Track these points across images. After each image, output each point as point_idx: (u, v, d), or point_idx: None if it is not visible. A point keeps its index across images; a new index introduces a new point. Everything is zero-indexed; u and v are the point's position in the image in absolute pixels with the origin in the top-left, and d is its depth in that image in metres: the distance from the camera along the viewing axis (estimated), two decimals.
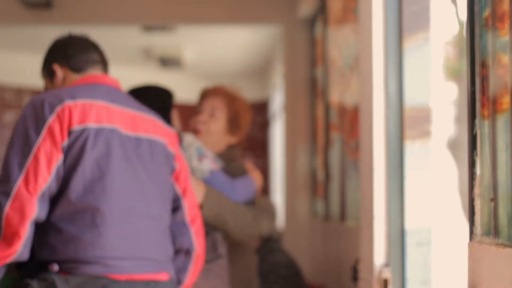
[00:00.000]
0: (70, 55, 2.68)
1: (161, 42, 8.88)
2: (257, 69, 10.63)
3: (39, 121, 2.38)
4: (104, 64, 2.74)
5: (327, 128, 5.76)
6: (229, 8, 6.72)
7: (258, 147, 10.79)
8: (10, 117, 9.56)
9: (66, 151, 2.39)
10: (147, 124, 2.59)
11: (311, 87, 6.66)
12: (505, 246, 2.20)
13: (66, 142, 2.39)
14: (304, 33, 6.72)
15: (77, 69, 2.67)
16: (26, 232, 2.32)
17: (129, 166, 2.48)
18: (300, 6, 6.46)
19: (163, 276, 2.51)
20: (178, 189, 2.67)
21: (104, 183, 2.41)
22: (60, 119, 2.39)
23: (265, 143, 10.86)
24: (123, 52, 9.61)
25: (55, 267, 2.38)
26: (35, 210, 2.33)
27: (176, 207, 2.68)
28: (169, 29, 7.98)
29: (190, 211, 2.69)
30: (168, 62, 9.73)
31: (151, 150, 2.56)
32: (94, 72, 2.68)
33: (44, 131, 2.37)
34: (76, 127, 2.40)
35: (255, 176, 3.31)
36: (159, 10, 6.73)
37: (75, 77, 2.65)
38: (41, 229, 2.40)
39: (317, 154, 6.40)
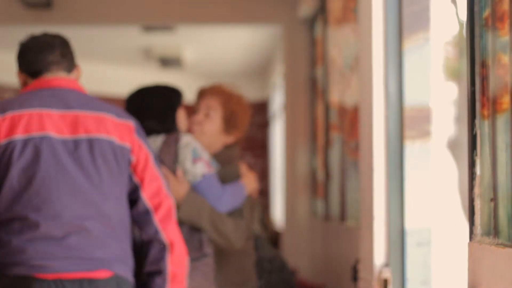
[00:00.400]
0: (27, 59, 2.72)
1: (161, 42, 8.88)
2: (257, 69, 10.63)
3: None
4: (65, 62, 2.73)
5: (327, 128, 5.76)
6: (229, 8, 6.72)
7: (258, 147, 10.79)
8: None
9: None
10: (91, 124, 2.61)
11: (311, 87, 6.66)
12: (505, 246, 2.20)
13: None
14: (304, 33, 6.72)
15: (33, 73, 2.72)
16: None
17: (61, 171, 2.53)
18: (300, 6, 6.46)
19: (101, 274, 2.53)
20: (136, 180, 2.67)
21: (31, 192, 2.50)
22: None
23: (265, 143, 10.86)
24: (123, 52, 9.62)
25: None
26: None
27: (135, 199, 2.69)
28: (169, 29, 7.98)
29: (151, 200, 2.68)
30: (168, 62, 9.73)
31: (91, 150, 2.58)
32: (48, 75, 2.70)
33: None
34: (3, 141, 2.51)
35: (248, 181, 3.29)
36: (159, 10, 6.73)
37: (31, 82, 2.72)
38: None
39: (317, 154, 6.40)
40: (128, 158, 2.65)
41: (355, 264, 3.31)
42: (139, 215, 2.69)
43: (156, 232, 2.67)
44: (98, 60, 10.08)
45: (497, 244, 2.24)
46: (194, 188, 3.24)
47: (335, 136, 5.40)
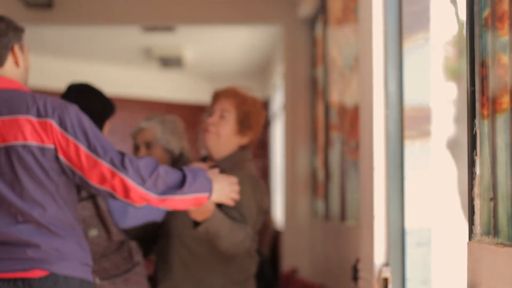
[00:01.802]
0: None
1: (162, 42, 8.89)
2: (257, 69, 10.63)
3: None
4: None
5: (327, 128, 5.77)
6: (230, 8, 6.72)
7: (258, 147, 10.79)
8: None
9: None
10: (7, 130, 2.58)
11: (311, 87, 6.66)
12: (505, 245, 2.20)
13: None
14: (304, 33, 6.72)
15: None
16: None
17: None
18: (300, 6, 6.47)
19: (35, 274, 2.56)
20: (79, 173, 2.62)
21: None
22: None
23: (265, 143, 10.86)
24: (123, 52, 9.63)
25: None
26: None
27: (89, 189, 2.67)
28: (170, 29, 7.99)
29: (103, 185, 2.63)
30: (168, 62, 9.74)
31: (9, 159, 2.57)
32: None
33: None
34: None
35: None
36: (159, 11, 6.74)
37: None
38: None
39: (317, 154, 6.41)
40: (55, 158, 2.61)
41: (355, 263, 3.31)
42: (93, 191, 2.67)
43: (107, 192, 2.64)
44: (99, 60, 10.09)
45: (497, 244, 2.24)
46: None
47: (335, 136, 5.40)
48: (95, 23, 6.90)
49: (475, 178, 2.40)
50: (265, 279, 4.08)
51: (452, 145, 7.28)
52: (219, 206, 3.16)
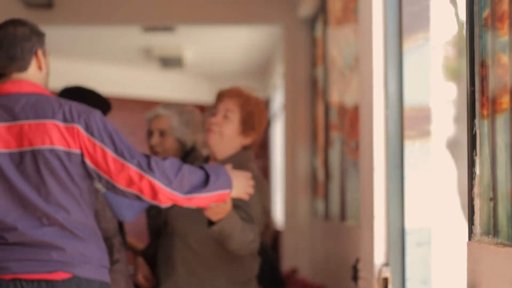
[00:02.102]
0: None
1: (162, 42, 8.89)
2: (258, 69, 10.63)
3: None
4: (15, 62, 2.71)
5: (327, 128, 5.77)
6: (230, 9, 6.72)
7: (258, 147, 10.78)
8: None
9: None
10: (34, 134, 2.63)
11: (311, 87, 6.67)
12: (505, 245, 2.20)
13: None
14: (304, 33, 6.72)
15: None
16: None
17: (9, 186, 2.61)
18: (300, 6, 6.47)
19: (58, 276, 2.62)
20: (105, 176, 2.68)
21: None
22: None
23: (265, 143, 10.86)
24: (123, 52, 9.63)
25: None
26: None
27: (116, 192, 2.73)
28: (170, 30, 7.98)
29: (130, 188, 2.69)
30: (168, 62, 9.74)
31: (36, 162, 2.62)
32: (2, 81, 2.72)
33: None
34: None
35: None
36: (159, 11, 6.74)
37: None
38: None
39: (317, 154, 6.41)
40: (81, 163, 2.66)
41: (355, 263, 3.32)
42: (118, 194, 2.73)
43: (135, 196, 2.71)
44: (99, 60, 10.09)
45: (497, 244, 2.25)
46: (104, 197, 3.30)
47: (335, 136, 5.40)
48: (95, 23, 6.90)
49: (475, 178, 2.41)
50: (275, 278, 4.07)
51: (452, 145, 7.28)
52: None
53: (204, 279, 3.24)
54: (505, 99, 2.26)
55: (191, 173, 2.72)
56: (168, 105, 3.90)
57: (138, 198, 2.69)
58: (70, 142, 2.64)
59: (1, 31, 2.70)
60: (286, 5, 6.70)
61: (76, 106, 2.68)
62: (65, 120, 2.64)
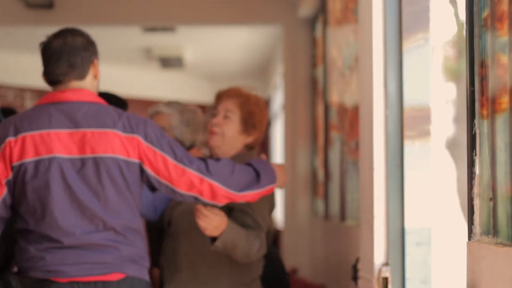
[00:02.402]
0: (43, 66, 2.83)
1: (162, 42, 8.89)
2: (258, 69, 10.64)
3: None
4: (74, 71, 2.80)
5: (327, 128, 5.77)
6: (230, 9, 6.73)
7: (259, 148, 10.77)
8: None
9: (12, 184, 2.71)
10: (97, 142, 2.72)
11: (311, 87, 6.67)
12: (504, 245, 2.21)
13: (10, 176, 2.70)
14: (304, 33, 6.72)
15: (50, 82, 2.82)
16: None
17: (70, 190, 2.69)
18: (300, 6, 6.47)
19: (113, 277, 2.73)
20: (166, 183, 2.80)
21: (44, 211, 2.68)
22: (3, 156, 2.70)
23: (266, 143, 10.86)
24: (124, 53, 9.63)
25: (14, 269, 2.76)
26: None
27: (177, 198, 2.86)
28: (170, 30, 7.99)
29: (191, 191, 2.82)
30: (168, 62, 9.75)
31: (97, 169, 2.71)
32: (59, 87, 2.80)
33: None
34: (15, 163, 2.69)
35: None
36: (160, 11, 6.74)
37: (50, 90, 2.82)
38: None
39: (317, 154, 6.41)
40: (139, 171, 2.77)
41: (355, 263, 3.32)
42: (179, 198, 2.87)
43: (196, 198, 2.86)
44: (100, 60, 10.08)
45: (496, 243, 2.25)
46: None
47: (335, 136, 5.41)
48: (95, 23, 6.90)
49: (474, 178, 2.41)
50: (279, 277, 4.07)
51: (451, 145, 7.28)
52: (230, 212, 3.17)
53: (208, 280, 3.24)
54: (505, 99, 2.27)
55: (243, 172, 2.88)
56: (170, 103, 3.89)
57: (197, 199, 2.84)
58: (130, 152, 2.74)
59: (59, 39, 2.79)
60: (286, 5, 6.71)
61: (132, 117, 2.79)
62: (124, 130, 2.73)
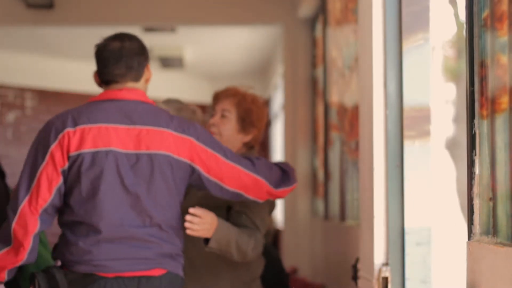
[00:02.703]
0: (98, 68, 2.94)
1: (162, 42, 8.89)
2: (258, 70, 10.64)
3: (45, 147, 2.80)
4: (131, 73, 2.92)
5: (327, 128, 5.78)
6: (230, 9, 6.73)
7: (259, 148, 10.77)
8: (12, 116, 9.58)
9: (67, 173, 2.79)
10: (152, 139, 2.83)
11: (311, 87, 6.67)
12: (504, 245, 2.21)
13: (66, 166, 2.79)
14: (304, 33, 6.73)
15: (104, 82, 2.94)
16: (30, 243, 2.79)
17: (123, 183, 2.80)
18: (300, 6, 6.48)
19: (156, 272, 2.83)
20: (215, 180, 2.93)
21: (96, 201, 2.78)
22: (61, 146, 2.79)
23: (266, 143, 10.87)
24: None
25: (58, 263, 2.84)
26: (37, 225, 2.79)
27: (222, 194, 2.98)
28: (170, 30, 7.99)
29: (239, 188, 2.98)
30: (168, 62, 9.75)
31: (151, 164, 2.82)
32: (115, 86, 2.92)
33: (47, 157, 2.79)
34: (72, 153, 2.79)
35: None
36: (160, 11, 6.74)
37: (104, 89, 2.93)
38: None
39: (317, 154, 6.42)
40: (189, 169, 2.89)
41: (355, 263, 3.32)
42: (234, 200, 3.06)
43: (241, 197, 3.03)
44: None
45: (496, 243, 2.25)
46: None
47: (335, 136, 5.41)
48: (95, 23, 6.90)
49: (474, 178, 2.41)
50: (278, 278, 4.07)
51: (451, 145, 7.29)
52: (228, 212, 3.18)
53: (209, 280, 3.25)
54: (504, 99, 2.27)
55: (276, 169, 3.08)
56: (169, 100, 3.90)
57: (240, 196, 2.99)
58: (181, 151, 2.87)
59: (117, 42, 2.93)
60: (286, 6, 6.71)
61: (182, 119, 2.94)
62: (177, 130, 2.87)
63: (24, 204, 2.78)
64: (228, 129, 3.32)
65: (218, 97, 3.39)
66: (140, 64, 2.93)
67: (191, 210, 2.96)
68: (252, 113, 3.34)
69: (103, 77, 2.92)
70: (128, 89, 2.90)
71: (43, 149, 2.81)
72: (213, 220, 3.00)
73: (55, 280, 2.78)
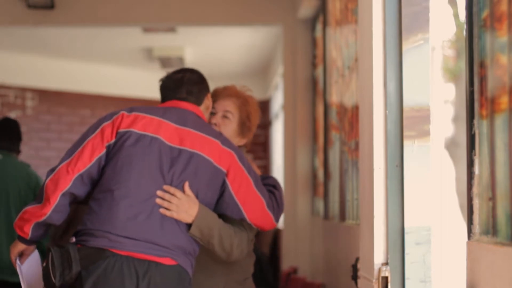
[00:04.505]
0: (162, 95, 3.20)
1: (162, 43, 8.90)
2: (258, 70, 10.65)
3: (99, 124, 3.01)
4: (191, 97, 3.14)
5: (327, 128, 5.78)
6: (230, 9, 6.74)
7: (259, 147, 10.80)
8: (12, 116, 9.58)
9: (111, 148, 2.96)
10: (197, 141, 3.00)
11: (311, 87, 6.68)
12: (503, 244, 2.22)
13: (113, 141, 2.97)
14: (304, 33, 6.73)
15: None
16: (56, 200, 2.94)
17: (161, 167, 2.95)
18: (300, 7, 6.48)
19: (166, 261, 2.92)
20: (237, 201, 3.05)
21: (129, 175, 2.92)
22: (113, 123, 2.99)
23: (266, 143, 10.87)
24: (124, 53, 9.64)
25: (72, 239, 2.97)
26: (68, 185, 2.93)
27: (240, 219, 3.09)
28: (170, 30, 8.00)
29: (255, 221, 3.10)
30: (169, 62, 9.75)
31: (189, 160, 2.97)
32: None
33: (98, 131, 2.99)
34: (122, 130, 2.97)
35: None
36: (160, 12, 6.75)
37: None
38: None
39: (317, 154, 6.43)
40: (222, 179, 3.03)
41: (355, 263, 3.33)
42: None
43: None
44: (99, 60, 10.10)
45: (496, 243, 2.26)
46: None
47: (335, 136, 5.42)
48: (96, 24, 6.91)
49: (474, 177, 2.42)
50: (265, 280, 4.09)
51: (450, 145, 7.29)
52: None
53: (201, 280, 3.25)
54: (504, 99, 2.28)
55: (274, 201, 3.17)
56: None
57: (250, 225, 3.12)
58: (222, 161, 3.02)
59: (179, 74, 3.19)
60: (286, 6, 6.72)
61: (229, 140, 3.12)
62: (223, 144, 3.05)
63: (62, 165, 2.96)
64: (228, 131, 3.30)
65: (219, 95, 3.36)
66: (201, 91, 3.16)
67: (165, 186, 2.96)
68: (251, 118, 3.34)
69: (166, 98, 3.16)
70: (188, 103, 3.12)
71: (96, 125, 3.01)
72: (193, 204, 2.99)
73: (69, 254, 2.87)
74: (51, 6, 6.46)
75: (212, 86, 3.41)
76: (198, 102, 3.15)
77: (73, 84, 9.92)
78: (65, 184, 2.93)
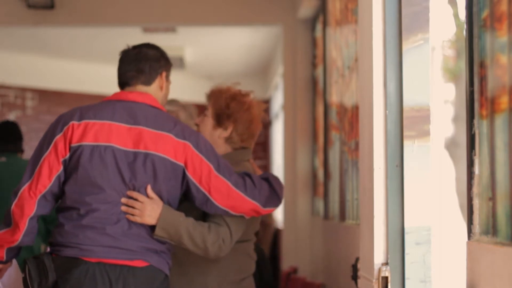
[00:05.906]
0: (118, 70, 3.15)
1: (162, 43, 8.87)
2: (258, 70, 10.65)
3: (51, 137, 2.99)
4: (142, 76, 3.09)
5: (327, 128, 5.78)
6: (230, 9, 6.74)
7: (259, 147, 10.81)
8: (12, 116, 9.58)
9: (68, 163, 2.97)
10: (149, 140, 2.98)
11: (311, 87, 6.68)
12: (503, 244, 2.22)
13: (67, 156, 2.97)
14: (304, 33, 6.74)
15: (120, 85, 3.13)
16: (25, 226, 2.98)
17: (118, 176, 2.95)
18: (300, 6, 6.49)
19: (138, 263, 2.96)
20: (204, 191, 3.02)
21: (91, 192, 2.95)
22: (64, 136, 2.97)
23: (267, 143, 10.88)
24: None
25: (48, 249, 3.03)
26: (34, 209, 2.97)
27: (209, 208, 3.06)
28: (170, 31, 8.00)
29: (225, 204, 3.05)
30: None
31: (145, 162, 2.96)
32: (127, 89, 3.09)
33: (51, 147, 2.98)
34: (74, 144, 2.96)
35: None
36: (160, 12, 6.75)
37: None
38: None
39: (317, 154, 6.43)
40: (182, 173, 3.00)
41: (355, 262, 3.33)
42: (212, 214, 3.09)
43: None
44: (100, 60, 10.10)
45: (496, 243, 2.26)
46: None
47: (335, 136, 5.42)
48: (96, 24, 6.92)
49: (474, 177, 2.42)
50: (265, 280, 4.08)
51: (450, 145, 7.30)
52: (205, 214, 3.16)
53: (195, 277, 3.24)
54: (504, 99, 2.28)
55: (265, 188, 3.14)
56: (173, 101, 3.92)
57: (227, 213, 3.07)
58: (177, 155, 2.99)
59: (136, 49, 3.13)
60: (286, 6, 6.72)
61: (187, 127, 3.06)
62: (177, 136, 3.00)
63: (24, 188, 2.98)
64: (205, 126, 3.34)
65: (207, 99, 3.45)
66: (153, 70, 3.09)
67: (128, 192, 2.98)
68: (228, 107, 3.32)
69: (118, 79, 3.11)
70: (138, 93, 3.06)
71: (49, 139, 2.99)
72: (156, 207, 2.99)
73: (44, 265, 2.93)
74: (51, 6, 6.46)
75: (212, 85, 3.41)
76: (148, 81, 3.10)
77: (73, 84, 9.92)
78: (30, 209, 2.98)
